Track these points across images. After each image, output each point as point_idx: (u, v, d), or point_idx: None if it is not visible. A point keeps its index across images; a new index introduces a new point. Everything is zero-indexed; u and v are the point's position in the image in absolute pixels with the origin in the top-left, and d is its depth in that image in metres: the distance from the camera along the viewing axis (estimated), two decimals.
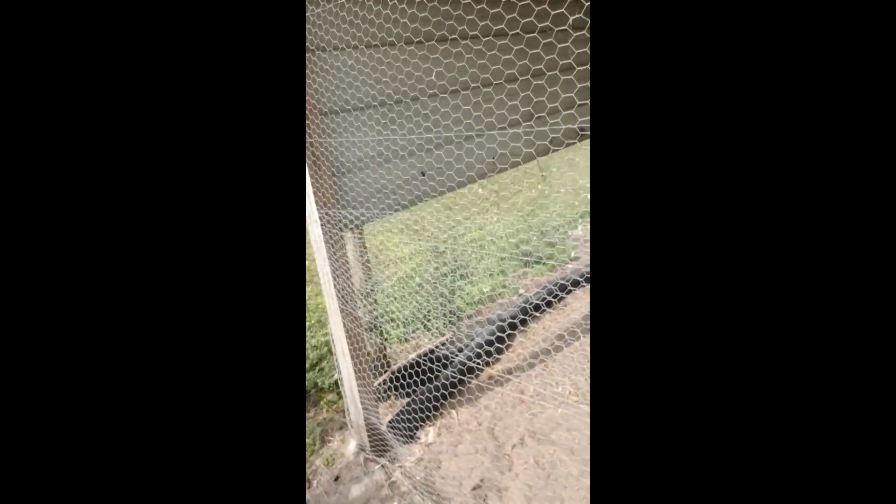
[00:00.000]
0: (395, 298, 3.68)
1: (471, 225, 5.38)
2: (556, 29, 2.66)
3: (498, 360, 3.05)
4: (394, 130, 2.09)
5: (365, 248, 2.53)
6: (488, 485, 2.11)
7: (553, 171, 7.55)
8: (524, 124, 2.74)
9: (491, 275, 4.20)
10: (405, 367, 2.81)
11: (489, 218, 5.58)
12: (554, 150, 2.94)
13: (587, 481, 2.03)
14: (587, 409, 2.45)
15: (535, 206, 6.10)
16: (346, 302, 2.19)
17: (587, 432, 2.29)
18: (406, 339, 3.37)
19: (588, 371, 2.73)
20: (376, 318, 2.77)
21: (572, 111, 2.90)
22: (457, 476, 2.18)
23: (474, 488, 2.10)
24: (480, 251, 4.65)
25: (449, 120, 2.34)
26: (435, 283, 4.08)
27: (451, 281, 4.13)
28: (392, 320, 3.39)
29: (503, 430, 2.41)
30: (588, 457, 2.14)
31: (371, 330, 2.74)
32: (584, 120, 2.93)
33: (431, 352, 3.04)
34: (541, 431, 2.36)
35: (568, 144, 3.02)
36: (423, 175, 2.37)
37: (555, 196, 6.46)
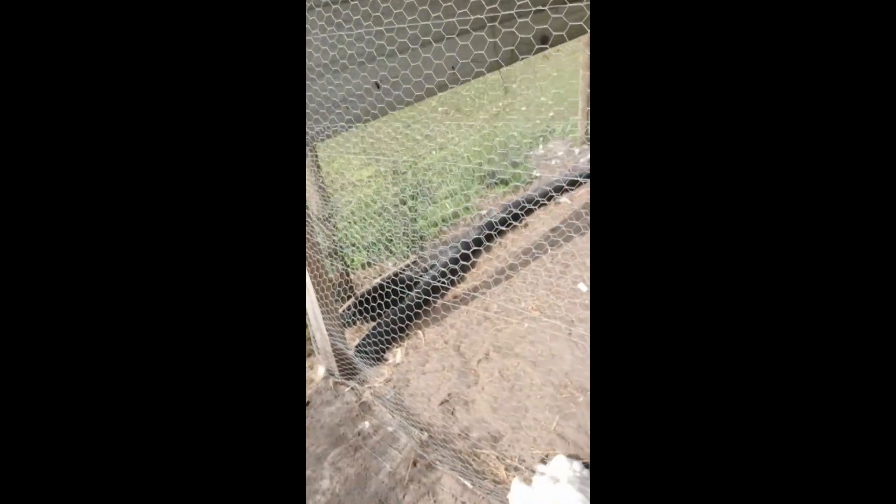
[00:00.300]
0: (355, 222, 3.55)
1: (433, 139, 5.15)
2: None
3: (463, 278, 3.05)
4: (339, 25, 1.84)
5: (319, 168, 2.35)
6: (455, 399, 2.17)
7: (514, 87, 7.24)
8: (488, 24, 2.49)
9: (453, 195, 4.10)
10: (370, 292, 2.76)
11: (450, 126, 5.36)
12: (522, 58, 2.72)
13: (550, 390, 2.12)
14: (550, 322, 2.51)
15: (498, 122, 5.88)
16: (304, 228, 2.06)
17: (551, 344, 2.37)
18: (369, 264, 3.30)
19: (551, 286, 2.78)
20: (337, 243, 2.65)
21: (543, 8, 2.65)
22: (425, 392, 2.23)
23: (442, 402, 2.16)
24: (443, 163, 4.50)
25: (404, 17, 2.08)
26: (397, 205, 3.95)
27: (413, 202, 4.01)
28: (353, 245, 3.29)
29: (469, 347, 2.46)
30: (550, 367, 2.23)
31: (332, 256, 2.64)
32: (557, 21, 2.70)
33: (396, 275, 3.00)
34: (505, 346, 2.42)
35: (538, 50, 2.80)
36: (378, 88, 2.15)
37: (517, 113, 6.24)
